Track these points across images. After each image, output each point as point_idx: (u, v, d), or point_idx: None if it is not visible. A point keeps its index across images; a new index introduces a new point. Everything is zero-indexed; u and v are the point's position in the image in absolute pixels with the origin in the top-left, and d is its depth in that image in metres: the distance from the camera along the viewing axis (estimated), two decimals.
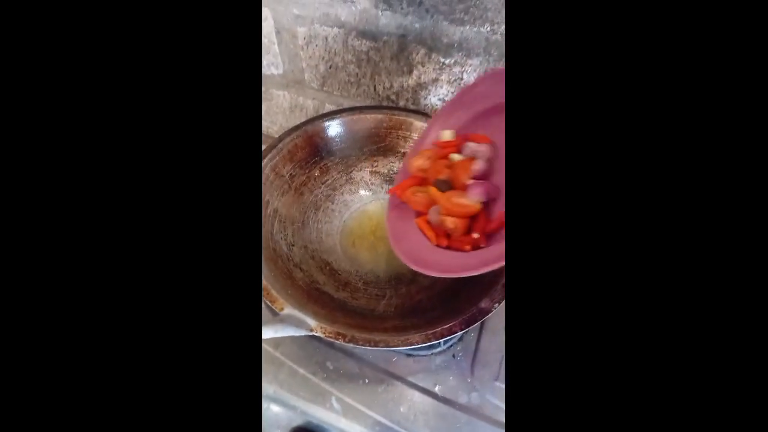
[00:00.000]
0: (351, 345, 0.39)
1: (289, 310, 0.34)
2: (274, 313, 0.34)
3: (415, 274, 0.43)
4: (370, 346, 0.33)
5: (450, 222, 0.35)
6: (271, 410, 0.41)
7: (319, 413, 0.39)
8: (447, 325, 0.34)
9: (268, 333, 0.32)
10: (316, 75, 0.64)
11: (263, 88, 0.71)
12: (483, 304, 0.36)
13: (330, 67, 0.61)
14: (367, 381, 0.40)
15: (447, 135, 0.39)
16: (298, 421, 0.40)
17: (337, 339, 0.33)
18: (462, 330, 0.34)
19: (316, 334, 0.33)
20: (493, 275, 0.39)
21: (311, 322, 0.34)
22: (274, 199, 0.43)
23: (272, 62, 0.65)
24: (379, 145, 0.50)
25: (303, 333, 0.33)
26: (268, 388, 0.40)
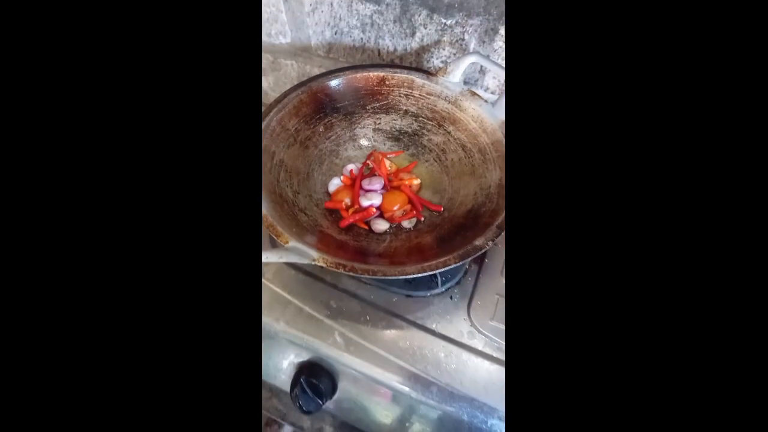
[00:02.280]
0: (352, 278, 0.41)
1: (293, 243, 0.36)
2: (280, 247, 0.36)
3: (417, 222, 0.45)
4: (368, 275, 0.35)
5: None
6: (278, 346, 0.44)
7: (323, 348, 0.41)
8: (442, 259, 0.36)
9: (272, 257, 0.34)
10: (322, 42, 0.65)
11: (271, 59, 0.73)
12: (477, 242, 0.37)
13: (335, 33, 0.63)
14: (368, 318, 0.42)
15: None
16: (304, 356, 0.43)
17: (338, 269, 0.35)
18: (456, 263, 0.36)
19: (318, 264, 0.35)
20: (489, 218, 0.40)
21: (314, 253, 0.36)
22: (279, 151, 0.45)
23: (280, 31, 0.67)
24: (381, 102, 0.51)
25: (306, 261, 0.35)
26: (275, 325, 0.43)
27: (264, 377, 0.47)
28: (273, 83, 0.76)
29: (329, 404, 0.46)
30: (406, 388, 0.39)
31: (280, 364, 0.45)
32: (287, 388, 0.45)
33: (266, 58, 0.73)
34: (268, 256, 0.34)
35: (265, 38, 0.69)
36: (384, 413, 0.43)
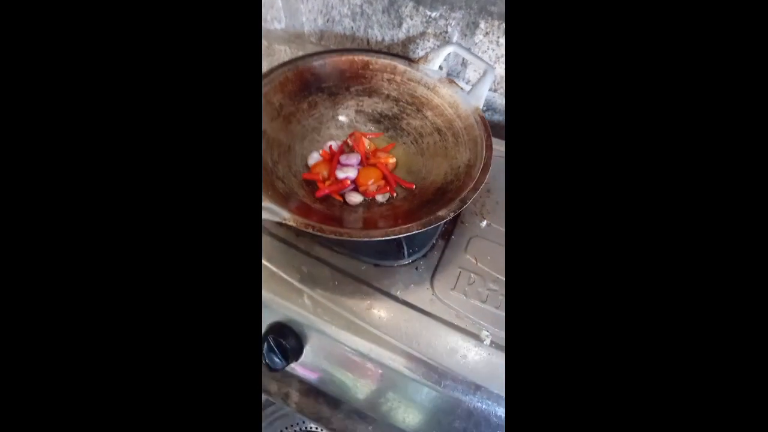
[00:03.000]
0: (324, 246, 0.44)
1: (267, 204, 0.38)
2: None
3: (390, 198, 0.48)
4: (335, 236, 0.37)
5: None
6: None
7: (292, 309, 0.43)
8: (405, 226, 0.38)
9: None
10: (314, 29, 0.68)
11: (266, 44, 0.75)
12: (440, 213, 0.40)
13: (327, 21, 0.66)
14: (337, 284, 0.44)
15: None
16: (273, 318, 0.44)
17: (306, 229, 0.37)
18: (418, 230, 0.38)
19: (288, 223, 0.37)
20: (454, 194, 0.43)
21: (285, 214, 0.38)
22: (263, 122, 0.48)
23: (275, 16, 0.70)
24: (365, 86, 0.54)
25: (277, 219, 0.37)
26: None
27: None
28: (267, 68, 0.78)
29: (295, 368, 0.48)
30: (371, 350, 0.41)
31: None
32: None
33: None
34: None
35: None
36: (349, 376, 0.45)
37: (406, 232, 0.38)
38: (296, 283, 0.44)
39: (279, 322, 0.44)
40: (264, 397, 0.51)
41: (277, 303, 0.44)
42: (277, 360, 0.42)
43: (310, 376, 0.49)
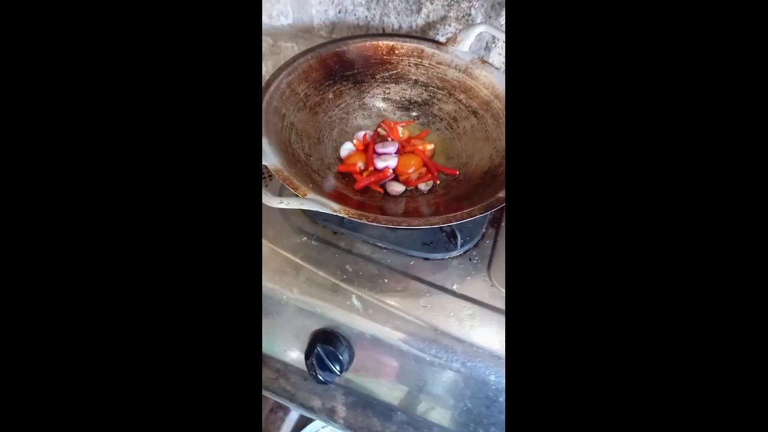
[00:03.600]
0: (366, 243, 0.40)
1: (312, 196, 0.35)
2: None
3: (433, 186, 0.44)
4: (392, 225, 0.34)
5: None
6: (289, 317, 0.41)
7: (338, 313, 0.39)
8: (466, 210, 0.35)
9: (293, 204, 0.32)
10: (325, 21, 0.65)
11: (271, 41, 0.72)
12: (500, 194, 0.37)
13: (339, 12, 0.63)
14: (386, 281, 0.40)
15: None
16: (318, 325, 0.40)
17: (361, 219, 0.34)
18: (481, 213, 0.35)
19: (340, 214, 0.34)
20: None
21: (334, 205, 0.34)
22: (290, 113, 0.44)
23: (282, 11, 0.66)
24: (391, 72, 0.51)
25: (327, 210, 0.33)
26: (287, 293, 0.40)
27: (271, 354, 0.44)
28: (272, 68, 0.75)
29: (340, 380, 0.44)
30: (432, 351, 0.37)
31: (288, 339, 0.43)
32: (298, 365, 0.43)
33: (266, 41, 0.72)
34: (289, 202, 0.32)
35: (265, 20, 0.68)
36: (405, 383, 0.41)
37: (469, 217, 0.35)
38: (342, 284, 0.40)
39: (324, 329, 0.40)
40: (307, 413, 0.46)
41: (322, 307, 0.40)
42: (327, 372, 0.38)
43: (357, 386, 0.44)
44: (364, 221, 0.33)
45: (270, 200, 0.32)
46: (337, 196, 0.40)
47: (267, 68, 0.75)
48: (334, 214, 0.34)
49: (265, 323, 0.42)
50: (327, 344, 0.38)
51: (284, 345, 0.44)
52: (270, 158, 0.36)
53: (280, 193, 0.43)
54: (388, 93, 0.51)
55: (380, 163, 0.43)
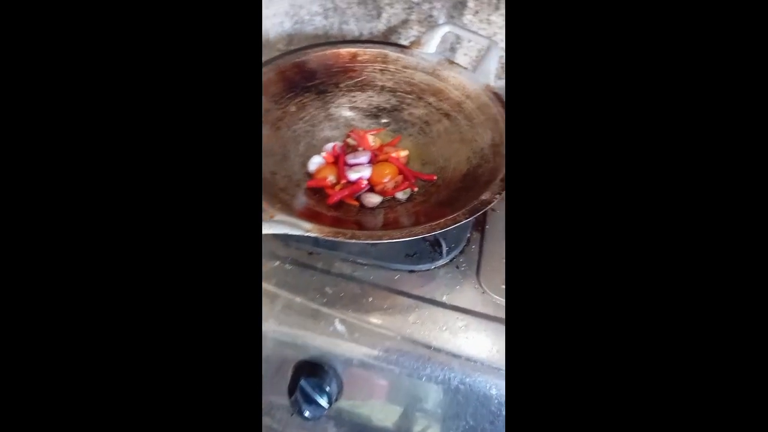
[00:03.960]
0: (346, 261, 0.37)
1: (281, 217, 0.32)
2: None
3: (412, 194, 0.42)
4: (372, 239, 0.31)
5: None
6: (267, 350, 0.38)
7: (321, 341, 0.36)
8: (450, 216, 0.33)
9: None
10: (281, 34, 0.62)
11: None
12: (484, 197, 0.35)
13: (296, 23, 0.60)
14: (371, 300, 0.37)
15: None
16: (300, 357, 0.37)
17: (337, 237, 0.31)
18: (466, 218, 0.33)
19: (312, 234, 0.31)
20: (489, 176, 0.38)
21: (306, 224, 0.31)
22: None
23: None
24: (356, 79, 0.49)
25: (299, 233, 0.30)
26: (263, 324, 0.37)
27: None
28: None
29: (331, 411, 0.40)
30: (429, 370, 0.34)
31: (270, 373, 0.39)
32: (282, 400, 0.39)
33: None
34: None
35: None
36: (393, 410, 0.38)
37: (454, 223, 0.32)
38: (322, 309, 0.37)
39: (307, 360, 0.36)
40: None
41: (303, 336, 0.36)
42: (314, 406, 0.35)
43: (350, 414, 0.41)
44: (341, 239, 0.31)
45: None
46: (310, 215, 0.37)
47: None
48: (307, 234, 0.31)
49: None
50: (312, 376, 0.35)
51: (265, 382, 0.40)
52: None
53: None
54: (355, 101, 0.49)
55: (353, 175, 0.41)
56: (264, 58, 0.66)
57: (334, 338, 0.36)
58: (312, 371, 0.35)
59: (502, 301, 0.37)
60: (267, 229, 0.30)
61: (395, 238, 0.31)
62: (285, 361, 0.37)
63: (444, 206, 0.38)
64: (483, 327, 0.36)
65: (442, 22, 0.54)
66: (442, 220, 0.32)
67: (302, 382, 0.34)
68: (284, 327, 0.37)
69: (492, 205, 0.34)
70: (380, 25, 0.57)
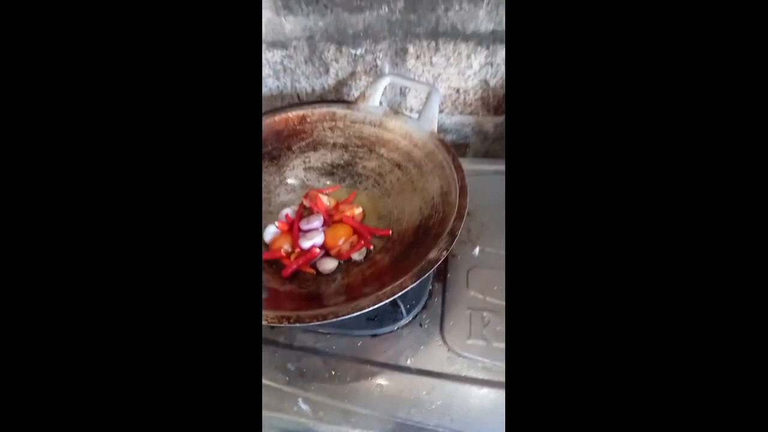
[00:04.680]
0: (308, 331, 0.36)
1: None
2: None
3: (368, 252, 0.42)
4: (318, 321, 0.30)
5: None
6: None
7: (285, 423, 0.35)
8: (397, 282, 0.32)
9: None
10: None
11: None
12: (431, 255, 0.34)
13: None
14: (334, 373, 0.36)
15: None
16: None
17: (281, 323, 0.30)
18: (413, 283, 0.32)
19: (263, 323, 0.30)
20: (438, 228, 0.37)
21: None
22: None
23: None
24: (307, 140, 0.49)
25: None
26: None
27: None
28: None
29: None
30: None
31: None
32: None
33: None
34: None
35: None
36: None
37: (401, 290, 0.32)
38: (285, 388, 0.36)
39: None
40: None
41: (265, 419, 0.35)
42: None
43: None
44: (284, 324, 0.30)
45: None
46: (264, 293, 0.36)
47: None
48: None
49: None
50: None
51: None
52: None
53: None
54: (309, 161, 0.49)
55: (306, 243, 0.40)
56: None
57: (298, 418, 0.35)
58: None
59: (468, 356, 0.36)
60: None
61: (340, 315, 0.31)
62: None
63: (399, 264, 0.37)
64: (450, 391, 0.34)
65: (387, 72, 0.55)
66: (389, 288, 0.32)
67: None
68: None
69: (439, 263, 0.33)
70: (330, 80, 0.58)
